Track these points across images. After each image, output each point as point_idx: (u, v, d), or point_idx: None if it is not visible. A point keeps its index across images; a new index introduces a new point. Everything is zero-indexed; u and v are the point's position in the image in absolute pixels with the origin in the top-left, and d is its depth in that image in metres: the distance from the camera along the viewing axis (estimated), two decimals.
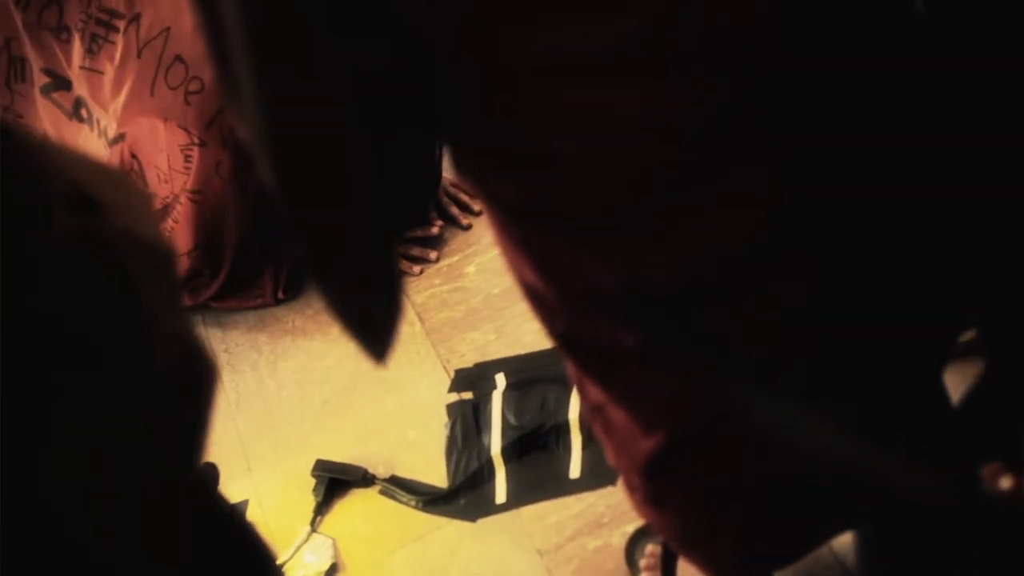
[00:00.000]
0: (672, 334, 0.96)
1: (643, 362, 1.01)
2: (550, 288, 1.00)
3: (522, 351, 2.09)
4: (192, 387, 0.83)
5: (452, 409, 2.03)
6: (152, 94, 2.25)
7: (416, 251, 2.37)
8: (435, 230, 2.39)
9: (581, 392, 1.15)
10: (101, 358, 0.75)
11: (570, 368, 1.14)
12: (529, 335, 2.12)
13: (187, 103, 2.24)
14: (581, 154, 0.84)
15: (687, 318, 0.95)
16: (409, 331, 2.23)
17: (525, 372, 2.03)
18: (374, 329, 0.92)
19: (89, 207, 0.82)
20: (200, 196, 2.27)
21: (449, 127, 0.90)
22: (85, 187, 0.81)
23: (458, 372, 2.09)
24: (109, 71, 2.29)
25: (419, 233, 2.38)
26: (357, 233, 0.87)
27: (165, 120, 2.24)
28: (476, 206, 2.41)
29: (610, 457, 1.18)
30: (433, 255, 2.36)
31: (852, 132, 0.89)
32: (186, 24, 2.27)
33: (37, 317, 0.71)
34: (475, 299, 2.23)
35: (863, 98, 0.88)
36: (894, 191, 0.94)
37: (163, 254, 0.86)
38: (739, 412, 0.99)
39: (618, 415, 1.10)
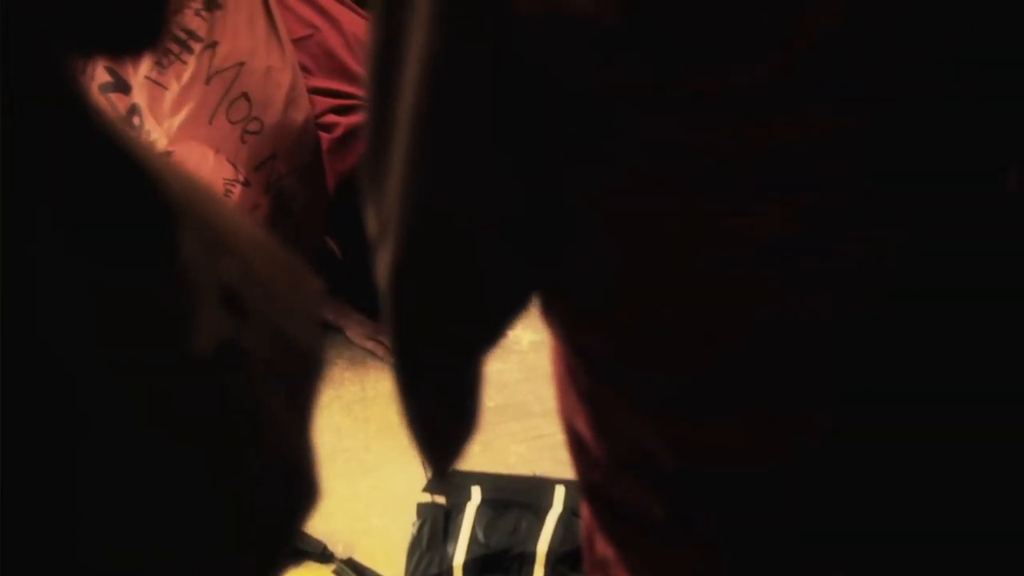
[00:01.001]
0: (711, 514, 0.96)
1: (667, 533, 1.01)
2: (599, 444, 1.00)
3: (504, 471, 2.08)
4: (284, 510, 0.83)
5: (423, 509, 2.02)
6: (210, 122, 2.26)
7: None
8: None
9: (587, 543, 1.15)
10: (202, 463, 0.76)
11: (584, 517, 1.14)
12: (514, 456, 2.11)
13: (242, 141, 2.25)
14: (686, 327, 0.85)
15: (731, 502, 0.95)
16: (396, 421, 2.20)
17: (503, 492, 2.02)
18: (444, 442, 0.91)
19: (239, 309, 0.82)
20: None
21: (560, 276, 0.90)
22: (240, 282, 0.82)
23: None
24: (174, 88, 2.30)
25: None
26: (456, 345, 0.87)
27: (216, 151, 2.25)
28: None
29: None
30: None
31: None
32: (260, 64, 2.29)
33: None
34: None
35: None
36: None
37: (309, 360, 0.86)
38: None
39: None
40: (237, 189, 2.25)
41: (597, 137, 0.79)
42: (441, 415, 0.92)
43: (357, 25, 2.47)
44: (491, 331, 0.91)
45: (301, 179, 2.29)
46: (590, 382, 0.96)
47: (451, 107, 0.76)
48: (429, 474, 2.08)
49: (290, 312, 0.83)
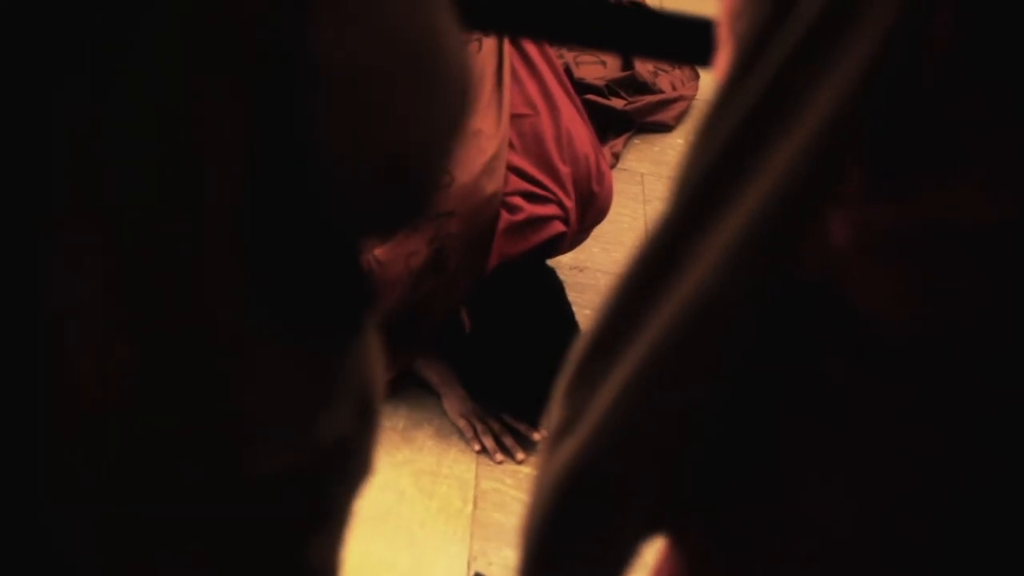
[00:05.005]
0: None
1: None
2: None
3: None
4: None
5: None
6: None
7: (509, 441, 2.34)
8: (536, 436, 2.35)
9: None
10: None
11: None
12: None
13: None
14: None
15: None
16: (459, 508, 2.18)
17: None
18: None
19: (364, 413, 0.89)
20: (377, 265, 2.26)
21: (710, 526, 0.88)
22: (369, 389, 0.95)
23: (478, 575, 2.04)
24: None
25: (521, 428, 2.35)
26: (603, 552, 0.85)
27: None
28: None
29: None
30: (520, 456, 2.33)
31: None
32: (473, 124, 2.30)
33: None
34: None
35: None
36: None
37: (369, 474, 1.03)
38: None
39: None
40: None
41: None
42: None
43: (574, 122, 2.48)
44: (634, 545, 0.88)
45: (466, 244, 2.28)
46: None
47: (708, 345, 0.75)
48: (471, 574, 2.04)
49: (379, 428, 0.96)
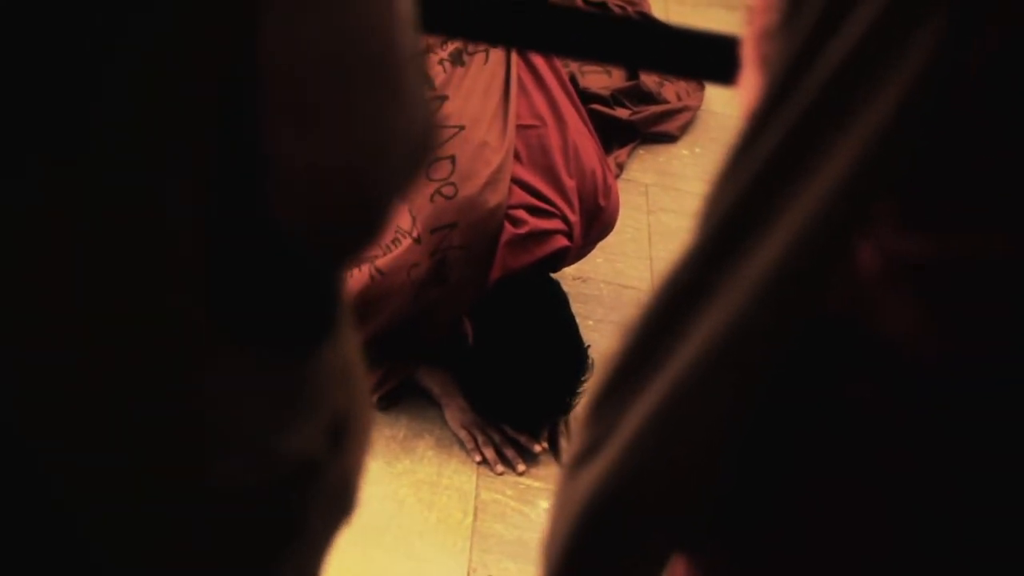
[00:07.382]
0: None
1: None
2: None
3: None
4: None
5: None
6: None
7: (510, 453, 2.34)
8: (537, 448, 2.35)
9: None
10: None
11: None
12: None
13: (431, 200, 2.25)
14: None
15: None
16: (459, 519, 2.19)
17: None
18: None
19: (335, 437, 0.89)
20: (380, 277, 2.26)
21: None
22: (344, 415, 0.94)
23: None
24: None
25: (522, 440, 2.35)
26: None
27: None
28: None
29: None
30: (520, 468, 2.33)
31: None
32: (478, 135, 2.30)
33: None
34: (533, 535, 2.18)
35: None
36: None
37: (351, 509, 1.04)
38: None
39: None
40: (406, 242, 2.26)
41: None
42: None
43: (581, 135, 2.48)
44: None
45: (469, 256, 2.28)
46: None
47: (733, 377, 0.74)
48: None
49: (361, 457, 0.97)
